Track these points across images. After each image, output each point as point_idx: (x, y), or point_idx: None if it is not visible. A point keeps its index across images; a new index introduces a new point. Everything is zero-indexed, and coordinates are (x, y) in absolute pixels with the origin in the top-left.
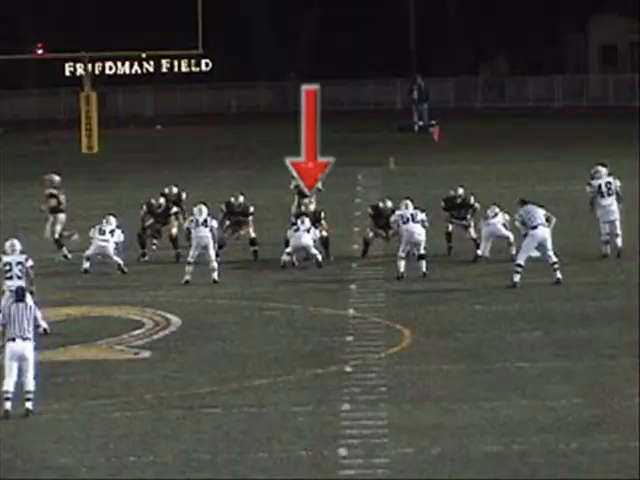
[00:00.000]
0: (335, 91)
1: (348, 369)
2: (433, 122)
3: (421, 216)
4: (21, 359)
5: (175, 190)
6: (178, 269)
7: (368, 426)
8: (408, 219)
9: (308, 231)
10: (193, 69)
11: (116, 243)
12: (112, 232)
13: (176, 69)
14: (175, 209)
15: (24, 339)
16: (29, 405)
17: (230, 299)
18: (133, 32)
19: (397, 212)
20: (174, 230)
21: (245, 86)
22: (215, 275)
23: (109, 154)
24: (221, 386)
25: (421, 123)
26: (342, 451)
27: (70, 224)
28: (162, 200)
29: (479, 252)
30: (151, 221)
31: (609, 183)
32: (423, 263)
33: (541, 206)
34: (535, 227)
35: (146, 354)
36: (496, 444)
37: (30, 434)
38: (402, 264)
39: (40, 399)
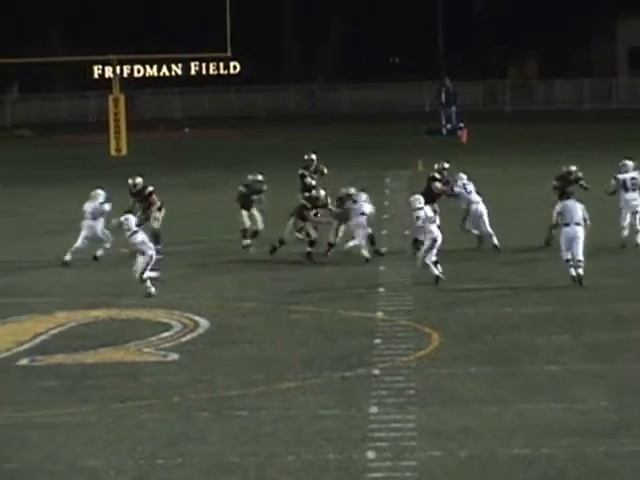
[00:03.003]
0: (363, 94)
1: (376, 372)
2: (461, 125)
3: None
4: None
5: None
6: (205, 272)
7: (396, 429)
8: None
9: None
10: (221, 72)
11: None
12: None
13: (204, 72)
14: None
15: None
16: None
17: (258, 302)
18: (162, 35)
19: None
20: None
21: (273, 89)
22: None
23: (138, 157)
24: (249, 389)
25: (449, 126)
26: (370, 454)
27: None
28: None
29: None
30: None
31: (634, 178)
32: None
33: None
34: (567, 224)
35: (174, 356)
36: (524, 447)
37: (58, 436)
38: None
39: (68, 401)
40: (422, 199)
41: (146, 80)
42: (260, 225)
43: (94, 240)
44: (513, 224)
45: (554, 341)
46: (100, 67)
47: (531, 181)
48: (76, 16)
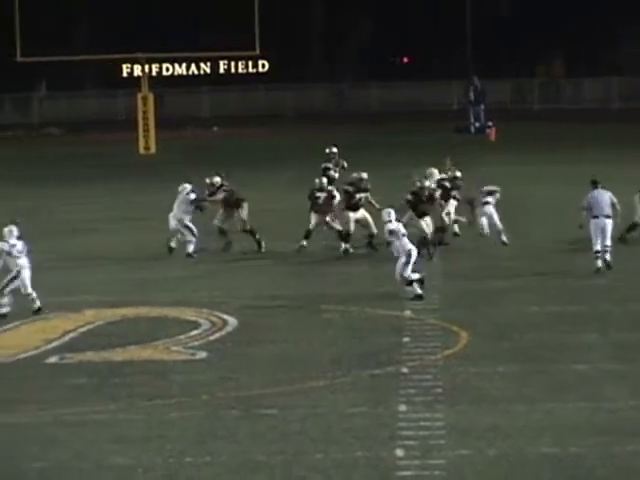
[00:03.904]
0: (391, 93)
1: (405, 370)
2: (489, 123)
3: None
4: None
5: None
6: (235, 269)
7: (425, 427)
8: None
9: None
10: (250, 70)
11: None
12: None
13: (233, 70)
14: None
15: None
16: None
17: (286, 300)
18: (190, 33)
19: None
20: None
21: (301, 87)
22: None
23: (166, 155)
24: (277, 387)
25: (478, 124)
26: (399, 452)
27: (127, 224)
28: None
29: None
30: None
31: None
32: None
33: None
34: (596, 217)
35: (203, 355)
36: (552, 446)
37: (86, 434)
38: None
39: (97, 399)
40: (392, 212)
41: (175, 78)
42: (374, 228)
43: (177, 232)
44: (540, 222)
45: (581, 340)
46: (129, 65)
47: (560, 180)
48: (105, 14)
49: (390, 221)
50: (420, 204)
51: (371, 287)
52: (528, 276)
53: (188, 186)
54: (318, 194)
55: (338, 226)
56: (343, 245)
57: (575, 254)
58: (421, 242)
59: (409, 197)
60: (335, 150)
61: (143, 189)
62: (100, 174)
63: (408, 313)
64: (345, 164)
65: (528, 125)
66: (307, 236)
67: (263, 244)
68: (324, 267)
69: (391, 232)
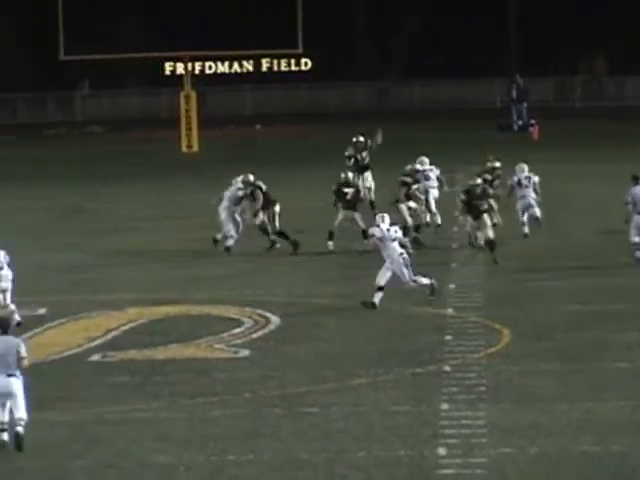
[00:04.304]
0: (434, 90)
1: (447, 368)
2: (532, 121)
3: None
4: (8, 396)
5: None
6: (276, 267)
7: (467, 426)
8: None
9: None
10: (292, 68)
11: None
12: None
13: (275, 68)
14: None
15: (8, 375)
16: (20, 430)
17: (328, 298)
18: (233, 31)
19: None
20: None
21: (344, 85)
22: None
23: (209, 153)
24: (320, 385)
25: (520, 122)
26: (441, 450)
27: (169, 222)
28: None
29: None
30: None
31: None
32: None
33: None
34: (638, 213)
35: (245, 353)
36: (594, 444)
37: (129, 432)
38: None
39: (140, 397)
40: (387, 217)
41: (217, 77)
42: (436, 218)
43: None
44: (582, 220)
45: (623, 338)
46: (172, 64)
47: (602, 178)
48: (147, 13)
49: (377, 225)
50: (474, 201)
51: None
52: (570, 274)
53: (240, 182)
54: (345, 189)
55: (363, 224)
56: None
57: (617, 252)
58: (489, 246)
59: (463, 197)
60: (362, 139)
61: (185, 187)
62: (142, 172)
63: (450, 311)
64: (377, 139)
65: (570, 123)
66: (331, 237)
67: (295, 245)
68: (364, 264)
69: (380, 239)
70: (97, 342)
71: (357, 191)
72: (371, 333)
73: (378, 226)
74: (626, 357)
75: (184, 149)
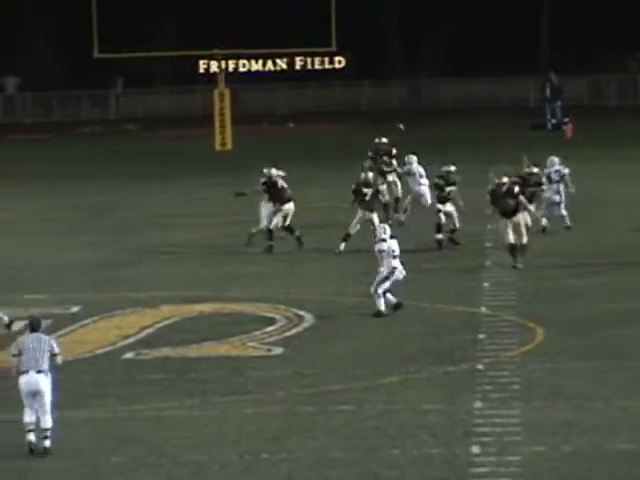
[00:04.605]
0: (468, 89)
1: (480, 367)
2: (566, 119)
3: None
4: (36, 394)
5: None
6: (308, 265)
7: (500, 424)
8: None
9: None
10: (326, 66)
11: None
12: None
13: (309, 66)
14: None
15: (38, 372)
16: (47, 443)
17: (361, 297)
18: (267, 30)
19: None
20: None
21: (378, 84)
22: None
23: (242, 151)
24: (352, 383)
25: (554, 121)
26: (475, 449)
27: (202, 220)
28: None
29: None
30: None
31: None
32: None
33: None
34: None
35: (279, 351)
36: (629, 442)
37: (163, 430)
38: None
39: (173, 395)
40: (388, 229)
41: (251, 75)
42: (457, 223)
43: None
44: (615, 218)
45: None
46: (206, 62)
47: (635, 175)
48: (181, 11)
49: (384, 240)
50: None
51: (446, 283)
52: (604, 272)
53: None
54: (365, 189)
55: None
56: (439, 236)
57: None
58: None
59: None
60: (385, 140)
61: (219, 185)
62: (176, 170)
63: (484, 309)
64: (394, 151)
65: (605, 121)
66: (345, 238)
67: (301, 241)
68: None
69: (380, 251)
70: (131, 340)
71: (376, 191)
72: (403, 331)
73: (385, 240)
74: None
75: (218, 147)
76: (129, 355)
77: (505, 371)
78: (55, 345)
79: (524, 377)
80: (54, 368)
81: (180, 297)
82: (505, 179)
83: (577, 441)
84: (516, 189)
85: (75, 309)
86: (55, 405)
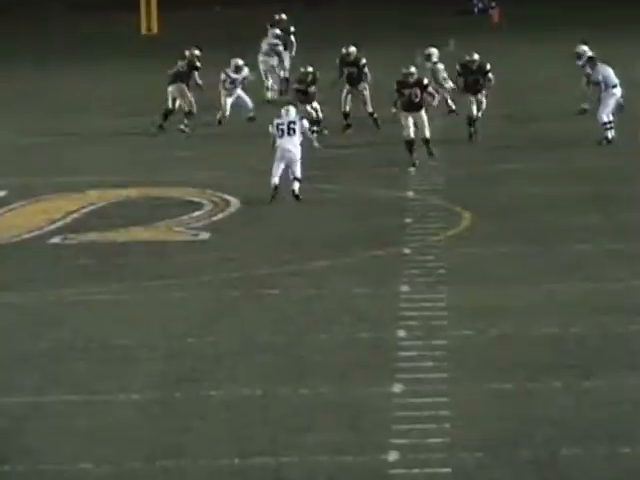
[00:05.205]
0: None
1: (407, 251)
2: (493, 4)
3: None
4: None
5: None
6: (235, 149)
7: (427, 308)
8: None
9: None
10: None
11: None
12: None
13: None
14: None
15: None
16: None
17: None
18: None
19: None
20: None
21: None
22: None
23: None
24: (280, 268)
25: (480, 5)
26: (401, 332)
27: (132, 104)
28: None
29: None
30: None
31: None
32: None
33: None
34: (615, 86)
35: (205, 235)
36: (554, 326)
37: (91, 315)
38: None
39: (100, 279)
40: (292, 110)
41: None
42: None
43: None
44: (544, 104)
45: (584, 221)
46: None
47: (563, 60)
48: None
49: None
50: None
51: (373, 167)
52: (531, 157)
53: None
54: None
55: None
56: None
57: (582, 134)
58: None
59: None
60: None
61: (147, 69)
62: (103, 54)
63: (411, 194)
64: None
65: (532, 6)
66: None
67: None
68: (324, 146)
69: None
70: (58, 224)
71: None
72: (331, 216)
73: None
74: (588, 239)
75: (144, 31)
76: (56, 240)
77: (431, 255)
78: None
79: (450, 261)
80: None
81: (107, 182)
82: (413, 69)
83: (503, 325)
84: (424, 81)
85: (2, 193)
86: None
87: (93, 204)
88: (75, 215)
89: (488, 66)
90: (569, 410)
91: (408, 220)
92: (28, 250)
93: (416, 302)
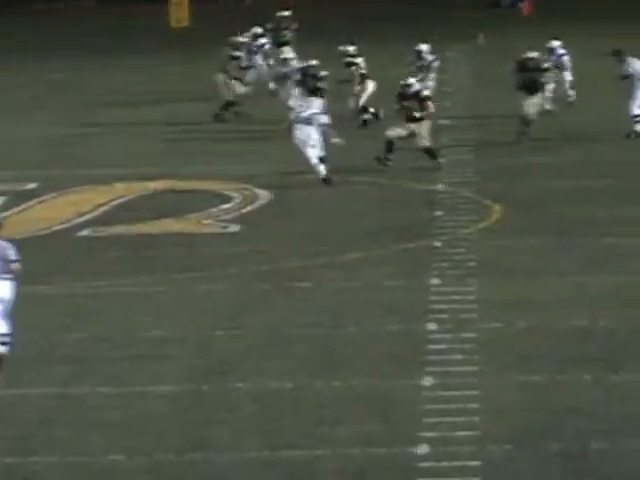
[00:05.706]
0: None
1: (437, 244)
2: None
3: None
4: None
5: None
6: (266, 142)
7: (457, 301)
8: None
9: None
10: None
11: None
12: None
13: None
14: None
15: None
16: (2, 349)
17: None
18: None
19: None
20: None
21: None
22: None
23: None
24: (311, 260)
25: None
26: (431, 325)
27: (161, 96)
28: None
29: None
30: None
31: None
32: None
33: None
34: None
35: (235, 228)
36: (583, 319)
37: (120, 306)
38: None
39: (130, 271)
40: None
41: None
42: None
43: None
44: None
45: (615, 214)
46: None
47: (592, 52)
48: None
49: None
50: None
51: (404, 160)
52: (560, 150)
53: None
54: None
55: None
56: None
57: (613, 127)
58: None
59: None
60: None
61: (177, 63)
62: (133, 47)
63: (441, 186)
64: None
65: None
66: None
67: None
68: (356, 140)
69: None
70: (87, 217)
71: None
72: (362, 208)
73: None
74: (615, 232)
75: (173, 24)
76: (85, 232)
77: (461, 248)
78: (12, 252)
79: (480, 254)
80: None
81: (135, 174)
82: (411, 80)
83: (532, 317)
84: (425, 93)
85: (32, 186)
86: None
87: (122, 196)
88: (104, 208)
89: (546, 64)
90: (598, 403)
91: (438, 213)
92: (58, 242)
93: (446, 295)
